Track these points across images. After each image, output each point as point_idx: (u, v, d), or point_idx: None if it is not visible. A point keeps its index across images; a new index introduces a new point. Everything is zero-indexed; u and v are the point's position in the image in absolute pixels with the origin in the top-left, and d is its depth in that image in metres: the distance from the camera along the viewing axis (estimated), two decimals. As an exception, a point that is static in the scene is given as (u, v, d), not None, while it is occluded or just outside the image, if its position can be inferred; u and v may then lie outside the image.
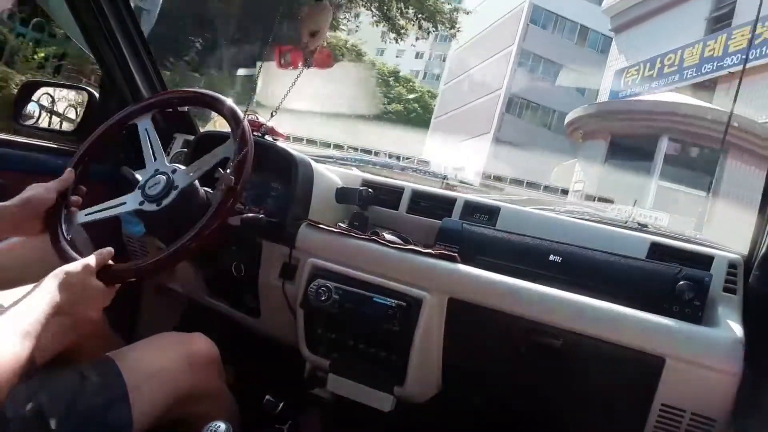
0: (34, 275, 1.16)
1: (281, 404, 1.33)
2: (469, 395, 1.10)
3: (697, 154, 10.33)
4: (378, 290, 1.04)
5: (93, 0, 1.27)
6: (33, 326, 0.69)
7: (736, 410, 0.84)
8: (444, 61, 29.09)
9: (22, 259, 1.19)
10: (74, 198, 0.98)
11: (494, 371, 1.04)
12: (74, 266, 0.80)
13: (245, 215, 1.12)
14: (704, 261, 1.05)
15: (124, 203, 0.97)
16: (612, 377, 0.93)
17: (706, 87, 10.68)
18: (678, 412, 0.87)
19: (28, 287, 0.81)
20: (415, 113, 23.34)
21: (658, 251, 1.09)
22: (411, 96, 23.71)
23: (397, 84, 23.54)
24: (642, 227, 1.19)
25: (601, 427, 0.97)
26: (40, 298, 0.74)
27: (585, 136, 11.48)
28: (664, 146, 10.17)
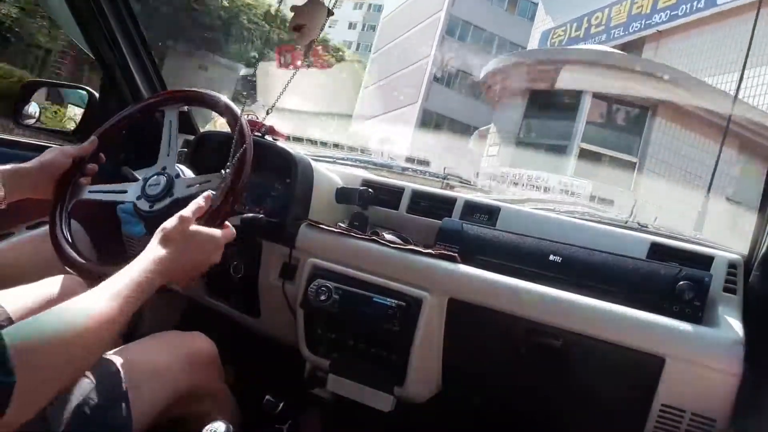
0: (35, 273, 1.16)
1: (281, 404, 1.33)
2: (469, 395, 1.10)
3: (624, 114, 9.66)
4: (378, 290, 1.04)
5: (93, 0, 1.27)
6: (128, 288, 0.71)
7: (736, 410, 0.84)
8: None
9: (22, 258, 1.20)
10: (90, 165, 1.01)
11: (494, 371, 1.04)
12: (171, 222, 0.81)
13: (245, 215, 1.12)
14: (704, 261, 1.05)
15: (125, 191, 0.99)
16: (612, 377, 0.93)
17: (634, 47, 10.23)
18: (678, 412, 0.87)
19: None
20: (342, 84, 22.16)
21: (658, 251, 1.09)
22: (339, 65, 22.38)
23: (326, 54, 22.80)
24: (642, 227, 1.19)
25: (601, 427, 0.97)
26: (141, 260, 0.76)
27: (501, 95, 10.53)
28: (587, 104, 9.46)
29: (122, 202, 1.00)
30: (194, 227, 0.82)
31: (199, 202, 0.86)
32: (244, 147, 0.92)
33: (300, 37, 0.94)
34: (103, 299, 0.70)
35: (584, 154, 9.46)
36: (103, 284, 0.72)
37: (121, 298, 0.71)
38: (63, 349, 0.63)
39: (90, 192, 1.00)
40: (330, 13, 1.01)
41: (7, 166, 0.93)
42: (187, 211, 0.83)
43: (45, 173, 0.96)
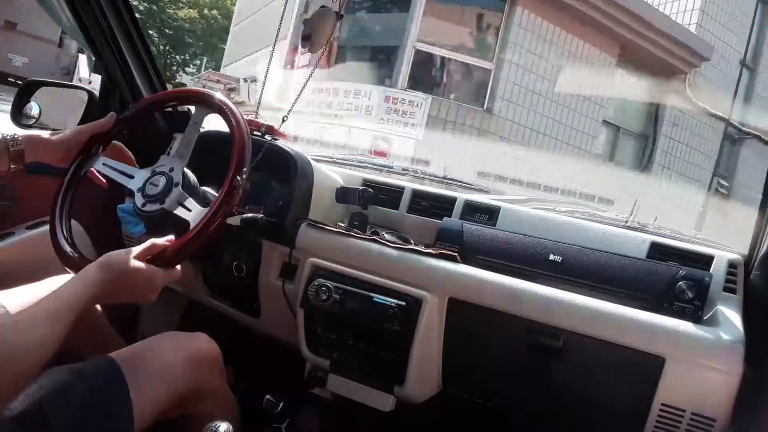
0: (35, 273, 1.16)
1: (281, 404, 1.33)
2: (469, 395, 1.10)
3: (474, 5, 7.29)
4: (378, 290, 1.04)
5: (93, 0, 1.27)
6: (65, 312, 0.73)
7: (736, 410, 0.84)
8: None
9: (22, 258, 1.20)
10: (114, 143, 1.04)
11: (494, 371, 1.04)
12: (118, 253, 0.82)
13: (245, 215, 1.12)
14: (704, 260, 1.05)
15: (133, 177, 0.99)
16: (612, 377, 0.93)
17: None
18: (678, 411, 0.87)
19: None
20: (214, 21, 20.54)
21: (658, 251, 1.09)
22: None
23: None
24: (642, 227, 1.19)
25: (601, 427, 0.97)
26: (77, 283, 0.77)
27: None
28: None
29: (123, 198, 1.00)
30: (137, 265, 0.82)
31: (156, 243, 0.86)
32: (244, 148, 0.92)
33: (311, 46, 0.95)
34: (34, 322, 0.71)
35: (421, 58, 6.98)
36: (36, 304, 0.73)
37: (52, 320, 0.72)
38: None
39: (104, 165, 1.01)
40: (339, 16, 1.01)
41: (27, 132, 0.98)
42: (138, 249, 0.84)
43: (62, 145, 1.00)
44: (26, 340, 0.68)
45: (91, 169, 1.02)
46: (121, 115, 1.06)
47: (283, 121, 1.10)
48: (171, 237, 0.88)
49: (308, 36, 0.97)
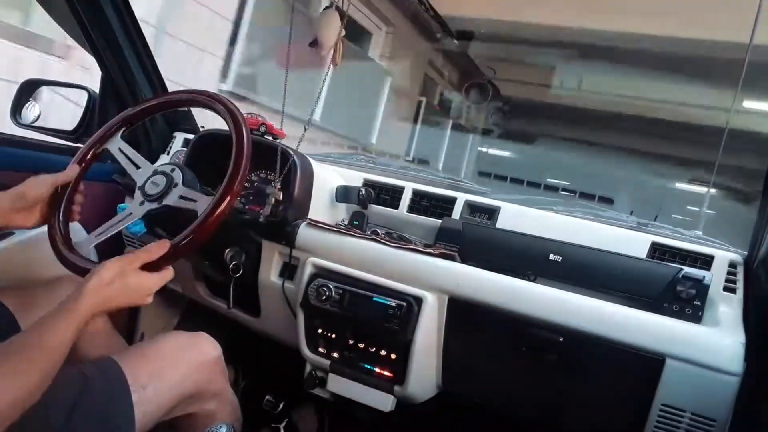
0: (35, 273, 1.16)
1: (281, 404, 1.33)
2: (469, 395, 1.10)
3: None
4: (378, 290, 1.04)
5: (93, 0, 1.27)
6: (63, 319, 0.72)
7: (736, 410, 0.84)
8: None
9: (22, 258, 1.19)
10: (78, 197, 0.99)
11: (494, 371, 1.04)
12: (113, 262, 0.81)
13: (245, 215, 1.12)
14: (704, 260, 1.05)
15: (140, 168, 0.98)
16: (612, 377, 0.92)
17: None
18: (678, 411, 0.87)
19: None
20: None
21: (658, 250, 1.09)
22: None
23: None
24: (642, 226, 1.19)
25: (601, 427, 0.97)
26: (77, 293, 0.76)
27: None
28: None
29: (123, 198, 1.00)
30: (132, 272, 0.81)
31: (151, 248, 0.84)
32: (243, 147, 0.91)
33: (321, 47, 0.95)
34: (45, 335, 0.71)
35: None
36: (51, 317, 0.73)
37: (72, 332, 0.72)
38: (11, 389, 0.65)
39: (119, 149, 0.99)
40: (342, 15, 1.02)
41: None
42: (135, 255, 0.83)
43: (19, 203, 0.92)
44: (22, 360, 0.68)
45: (107, 149, 1.00)
46: (78, 159, 1.00)
47: (305, 129, 1.10)
48: (165, 241, 0.85)
49: (314, 39, 0.98)
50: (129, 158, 1.00)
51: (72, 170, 0.98)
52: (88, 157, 1.02)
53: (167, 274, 0.87)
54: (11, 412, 0.65)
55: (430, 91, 7.05)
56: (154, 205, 0.94)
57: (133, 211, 0.94)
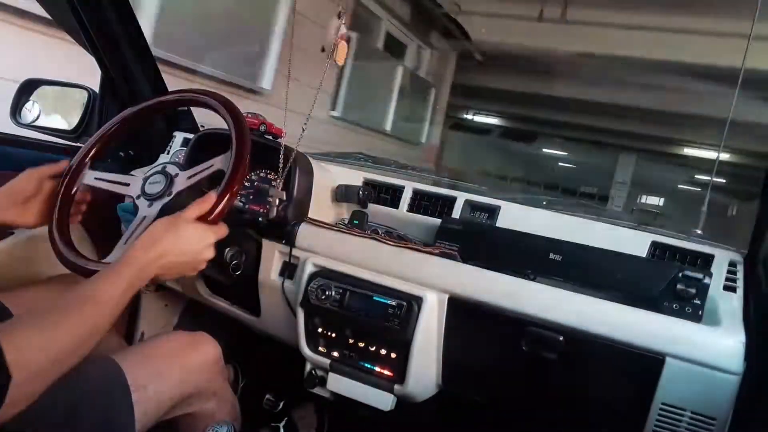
0: (35, 273, 1.16)
1: (281, 403, 1.33)
2: (470, 394, 1.10)
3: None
4: (378, 289, 1.04)
5: (93, 0, 1.27)
6: (124, 275, 0.75)
7: (736, 409, 0.84)
8: None
9: (22, 257, 1.20)
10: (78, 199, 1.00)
11: (494, 370, 1.04)
12: (167, 217, 0.84)
13: (245, 216, 1.12)
14: (705, 259, 1.05)
15: (128, 185, 0.99)
16: (612, 376, 0.92)
17: None
18: (678, 411, 0.87)
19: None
20: None
21: (658, 249, 1.09)
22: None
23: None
24: (643, 225, 1.19)
25: (600, 426, 0.97)
26: (136, 249, 0.79)
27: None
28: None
29: (123, 197, 1.01)
30: (186, 223, 0.83)
31: (201, 202, 0.87)
32: (243, 140, 0.92)
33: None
34: (98, 288, 0.73)
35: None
36: (104, 273, 0.75)
37: (122, 288, 0.74)
38: (59, 341, 0.66)
39: (96, 179, 1.00)
40: (339, 15, 1.03)
41: None
42: (185, 210, 0.85)
43: (10, 198, 0.93)
44: (88, 311, 0.70)
45: (85, 184, 1.00)
46: (75, 162, 1.01)
47: (303, 130, 1.10)
48: (210, 193, 0.88)
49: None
50: (111, 181, 1.00)
51: (62, 163, 0.99)
52: (88, 157, 1.02)
53: (221, 228, 0.88)
54: (62, 362, 0.66)
55: (366, 26, 5.65)
56: (166, 199, 0.95)
57: (146, 214, 0.95)
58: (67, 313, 0.69)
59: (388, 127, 6.10)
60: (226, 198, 0.88)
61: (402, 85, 6.13)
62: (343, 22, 1.02)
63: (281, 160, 1.10)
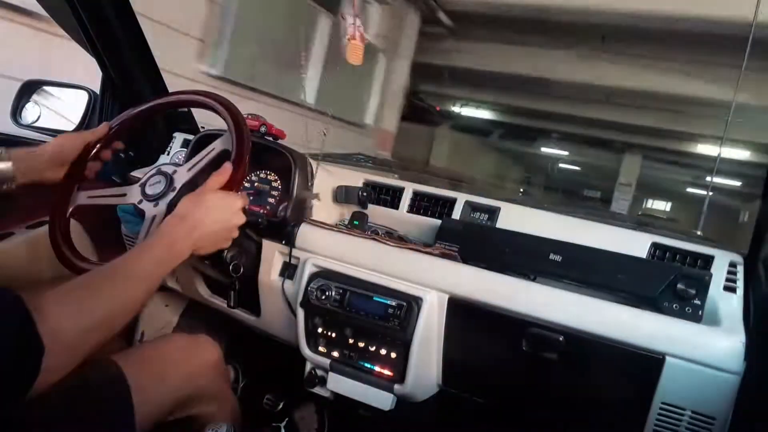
0: (35, 273, 1.16)
1: (281, 403, 1.33)
2: (469, 394, 1.10)
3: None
4: (378, 289, 1.04)
5: (93, 0, 1.27)
6: (159, 251, 0.77)
7: (736, 409, 0.84)
8: None
9: (22, 257, 1.20)
10: (104, 152, 1.03)
11: (494, 370, 1.04)
12: (192, 193, 0.86)
13: (245, 217, 1.12)
14: (705, 260, 1.05)
15: (125, 195, 0.99)
16: (612, 375, 0.92)
17: None
18: (678, 410, 0.87)
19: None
20: None
21: (658, 250, 1.09)
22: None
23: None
24: (643, 226, 1.19)
25: (601, 426, 0.97)
26: (168, 225, 0.81)
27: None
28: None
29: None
30: (212, 193, 0.86)
31: (218, 174, 0.89)
32: (243, 141, 0.93)
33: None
34: (129, 263, 0.74)
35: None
36: (135, 249, 0.77)
37: (153, 264, 0.76)
38: (90, 314, 0.68)
39: (89, 197, 1.00)
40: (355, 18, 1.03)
41: (20, 150, 0.94)
42: (208, 182, 0.87)
43: (56, 158, 0.97)
44: (123, 284, 0.72)
45: (79, 204, 1.00)
46: (114, 125, 1.05)
47: (324, 134, 1.12)
48: (227, 164, 0.90)
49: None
50: (106, 195, 1.00)
51: (102, 128, 1.02)
52: (117, 126, 1.04)
53: (243, 196, 0.91)
54: (93, 335, 0.68)
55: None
56: (171, 195, 0.95)
57: (155, 213, 0.95)
58: (99, 287, 0.70)
59: (310, 98, 4.43)
60: (241, 166, 0.90)
61: (332, 43, 4.74)
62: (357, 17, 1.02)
63: (290, 160, 1.11)
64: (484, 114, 9.56)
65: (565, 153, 10.38)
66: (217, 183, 0.87)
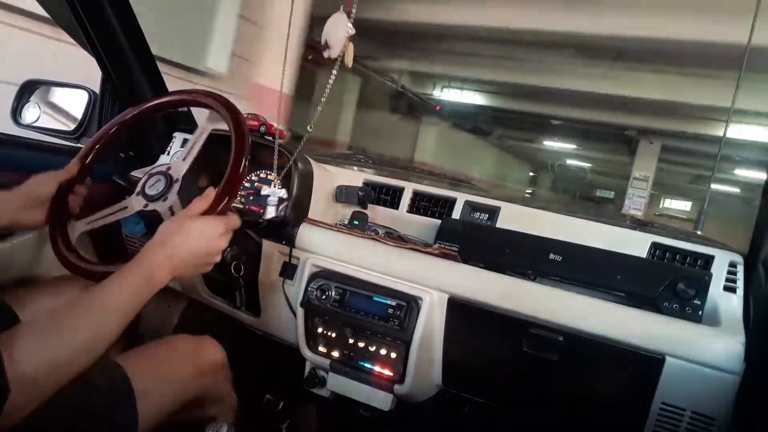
0: (35, 273, 1.16)
1: (281, 403, 1.33)
2: (469, 394, 1.10)
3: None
4: (378, 289, 1.04)
5: (93, 0, 1.27)
6: (135, 283, 0.74)
7: (736, 409, 0.84)
8: None
9: (22, 257, 1.19)
10: (78, 188, 1.00)
11: (494, 370, 1.04)
12: (173, 218, 0.84)
13: (246, 216, 1.12)
14: (705, 260, 1.05)
15: (126, 207, 0.98)
16: (612, 376, 0.92)
17: None
18: (678, 410, 0.87)
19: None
20: None
21: (658, 250, 1.09)
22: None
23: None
24: (643, 226, 1.19)
25: (601, 426, 0.97)
26: (146, 254, 0.78)
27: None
28: None
29: (123, 197, 1.01)
30: (191, 220, 0.83)
31: (201, 198, 0.86)
32: (242, 140, 0.93)
33: (331, 50, 0.96)
34: (102, 296, 0.72)
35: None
36: (109, 279, 0.74)
37: (128, 294, 0.73)
38: (59, 349, 0.65)
39: (89, 224, 0.98)
40: (348, 15, 1.02)
41: None
42: (189, 208, 0.85)
43: (27, 201, 0.93)
44: (95, 318, 0.69)
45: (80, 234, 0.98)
46: (86, 154, 1.02)
47: (309, 129, 1.09)
48: (210, 189, 0.87)
49: (325, 42, 0.99)
50: (105, 215, 0.99)
51: (74, 166, 0.99)
52: (90, 157, 1.02)
53: (232, 219, 0.88)
54: (62, 371, 0.65)
55: None
56: (176, 187, 0.95)
57: (171, 204, 0.95)
58: (69, 321, 0.68)
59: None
60: (227, 191, 0.87)
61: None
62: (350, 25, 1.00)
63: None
64: (472, 98, 8.03)
65: (572, 146, 9.26)
66: (199, 208, 0.84)
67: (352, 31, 0.98)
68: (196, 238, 0.82)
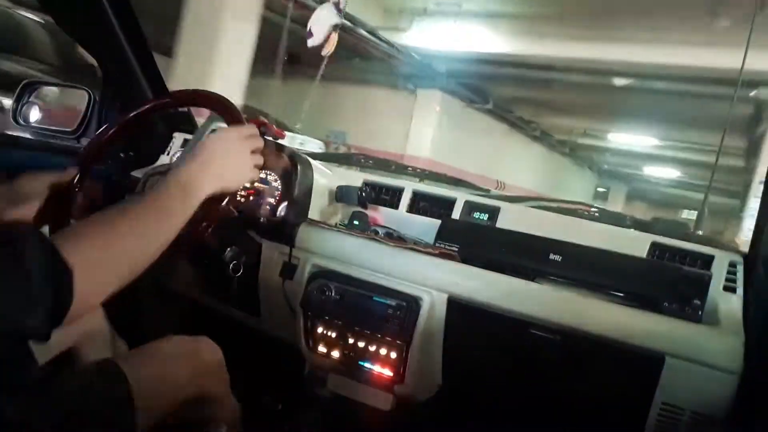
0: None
1: (281, 404, 1.33)
2: (469, 394, 1.10)
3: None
4: (378, 289, 1.04)
5: (93, 1, 1.27)
6: (179, 187, 0.74)
7: (735, 409, 0.84)
8: None
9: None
10: (80, 200, 0.99)
11: (494, 370, 1.04)
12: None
13: (246, 217, 1.12)
14: (704, 260, 1.05)
15: None
16: (612, 376, 0.93)
17: None
18: (678, 410, 0.87)
19: None
20: None
21: (658, 250, 1.09)
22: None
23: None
24: (642, 226, 1.19)
25: (601, 426, 0.97)
26: (187, 161, 0.79)
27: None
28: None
29: (123, 197, 1.01)
30: (227, 132, 0.87)
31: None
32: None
33: (314, 38, 0.97)
34: (142, 199, 0.72)
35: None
36: (146, 192, 0.74)
37: (169, 203, 0.73)
38: (118, 245, 0.65)
39: None
40: (339, 11, 1.03)
41: None
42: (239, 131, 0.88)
43: (16, 196, 0.91)
44: (144, 215, 0.69)
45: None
46: (86, 154, 1.01)
47: (297, 127, 1.10)
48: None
49: (309, 30, 0.99)
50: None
51: (70, 171, 0.98)
52: (90, 157, 1.02)
53: (255, 136, 0.91)
54: (117, 262, 0.65)
55: None
56: None
57: None
58: (113, 219, 0.67)
59: None
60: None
61: None
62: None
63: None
64: (480, 35, 4.91)
65: (655, 141, 6.86)
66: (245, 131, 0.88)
67: (339, 21, 0.98)
68: (237, 154, 0.84)
